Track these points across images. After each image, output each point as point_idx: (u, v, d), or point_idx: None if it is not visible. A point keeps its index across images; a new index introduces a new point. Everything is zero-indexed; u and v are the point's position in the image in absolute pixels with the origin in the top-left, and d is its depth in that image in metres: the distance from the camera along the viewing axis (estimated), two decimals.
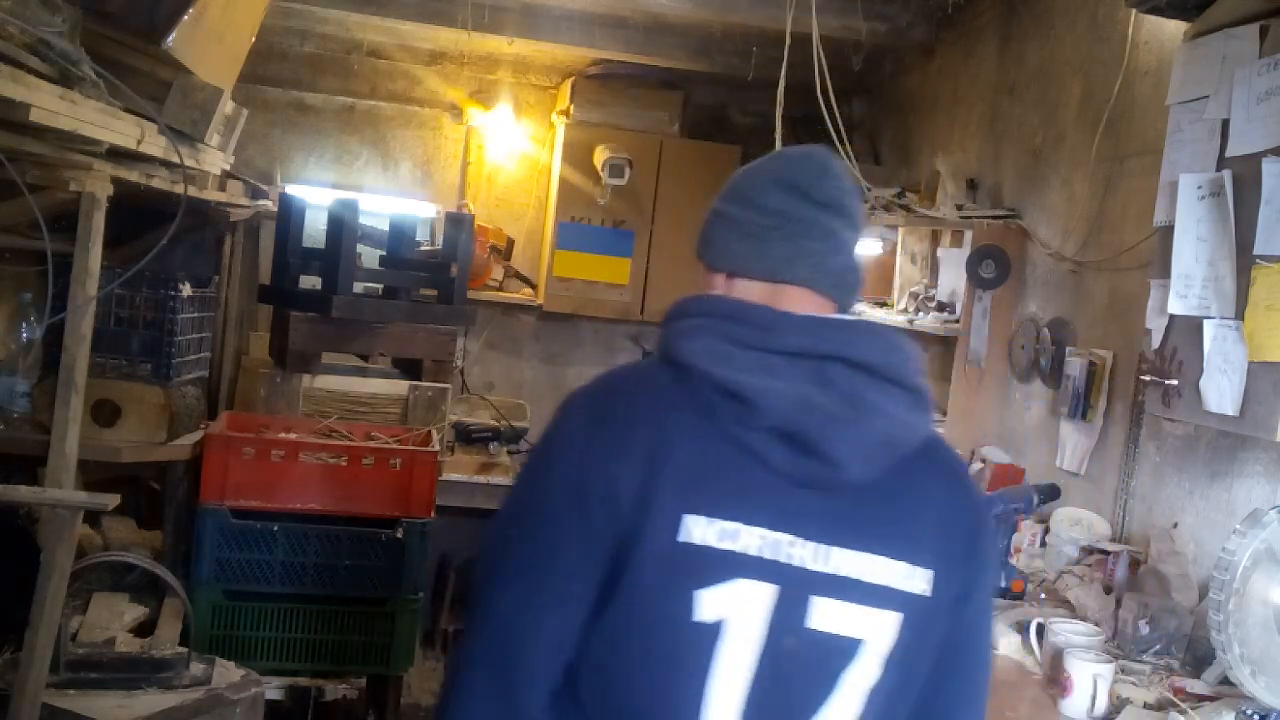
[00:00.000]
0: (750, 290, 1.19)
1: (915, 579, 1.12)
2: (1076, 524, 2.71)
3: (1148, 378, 2.30)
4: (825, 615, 1.09)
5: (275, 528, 2.96)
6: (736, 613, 1.08)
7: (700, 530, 1.07)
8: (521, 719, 1.10)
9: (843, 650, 1.10)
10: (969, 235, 3.43)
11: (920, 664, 1.14)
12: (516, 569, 1.12)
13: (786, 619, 1.08)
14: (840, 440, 1.07)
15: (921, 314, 3.80)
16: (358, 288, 3.71)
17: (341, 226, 3.58)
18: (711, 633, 1.07)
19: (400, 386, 3.75)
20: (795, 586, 1.08)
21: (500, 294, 5.27)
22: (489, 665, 1.11)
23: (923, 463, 1.14)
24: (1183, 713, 1.86)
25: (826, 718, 1.10)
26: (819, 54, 3.27)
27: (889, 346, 1.12)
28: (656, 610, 1.08)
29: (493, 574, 1.14)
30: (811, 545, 1.09)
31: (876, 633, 1.10)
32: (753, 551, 1.08)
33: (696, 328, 1.13)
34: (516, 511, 1.15)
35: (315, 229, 3.85)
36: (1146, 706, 1.94)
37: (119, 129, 2.26)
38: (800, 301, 1.18)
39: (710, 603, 1.07)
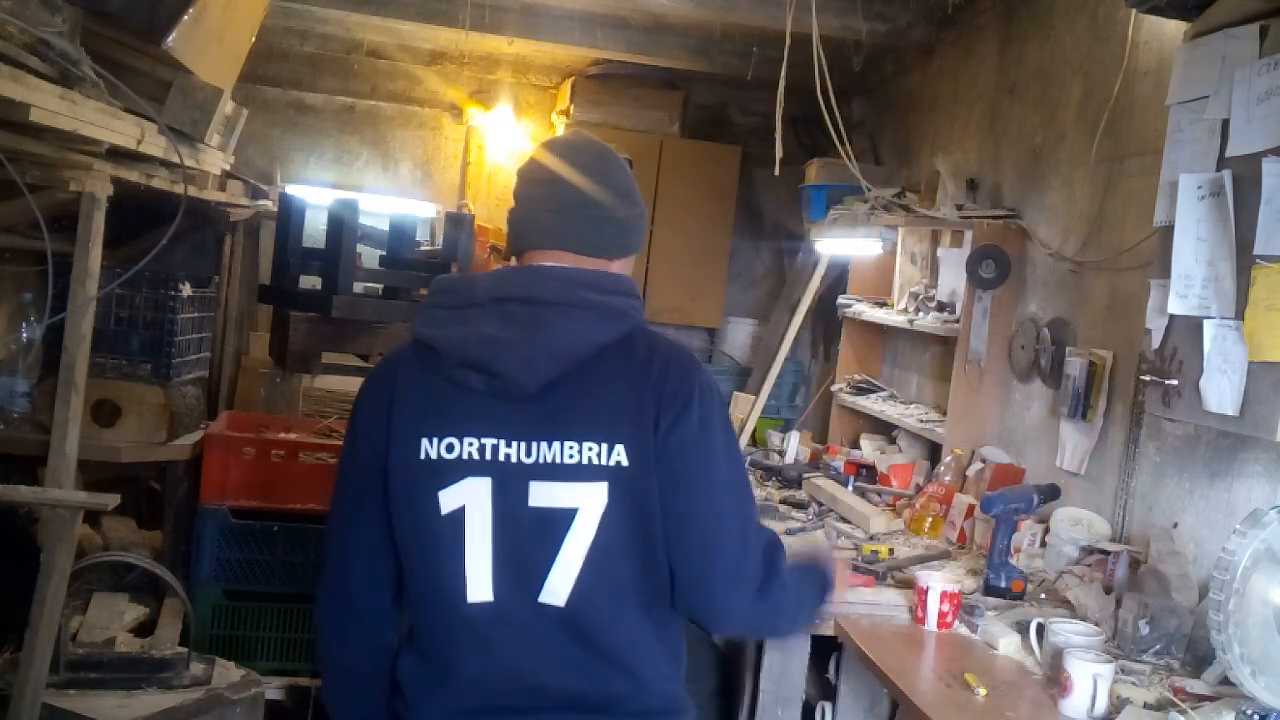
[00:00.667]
0: (521, 261, 1.56)
1: (609, 454, 1.43)
2: (1076, 524, 2.71)
3: (1148, 378, 2.30)
4: (542, 494, 1.43)
5: (275, 528, 2.96)
6: (470, 501, 1.43)
7: (432, 448, 1.45)
8: (354, 612, 1.55)
9: (561, 518, 1.43)
10: (969, 235, 3.43)
11: (640, 514, 1.44)
12: (334, 504, 1.56)
13: (509, 502, 1.43)
14: (505, 360, 1.42)
15: (921, 314, 3.80)
16: (358, 288, 3.70)
17: (341, 226, 3.58)
18: (457, 518, 1.44)
19: None
20: (511, 476, 1.43)
21: None
22: (328, 576, 1.56)
23: (610, 359, 1.45)
24: (1183, 713, 1.86)
25: (558, 569, 1.43)
26: (819, 54, 3.27)
27: (562, 281, 1.47)
28: (415, 510, 1.46)
29: (329, 514, 1.57)
30: (519, 443, 1.43)
31: (587, 501, 1.42)
32: (472, 456, 1.44)
33: (425, 305, 1.52)
34: (337, 468, 1.58)
35: (315, 229, 3.84)
36: (1146, 706, 1.94)
37: (119, 129, 2.26)
38: (545, 260, 1.53)
39: (449, 498, 1.44)
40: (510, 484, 1.43)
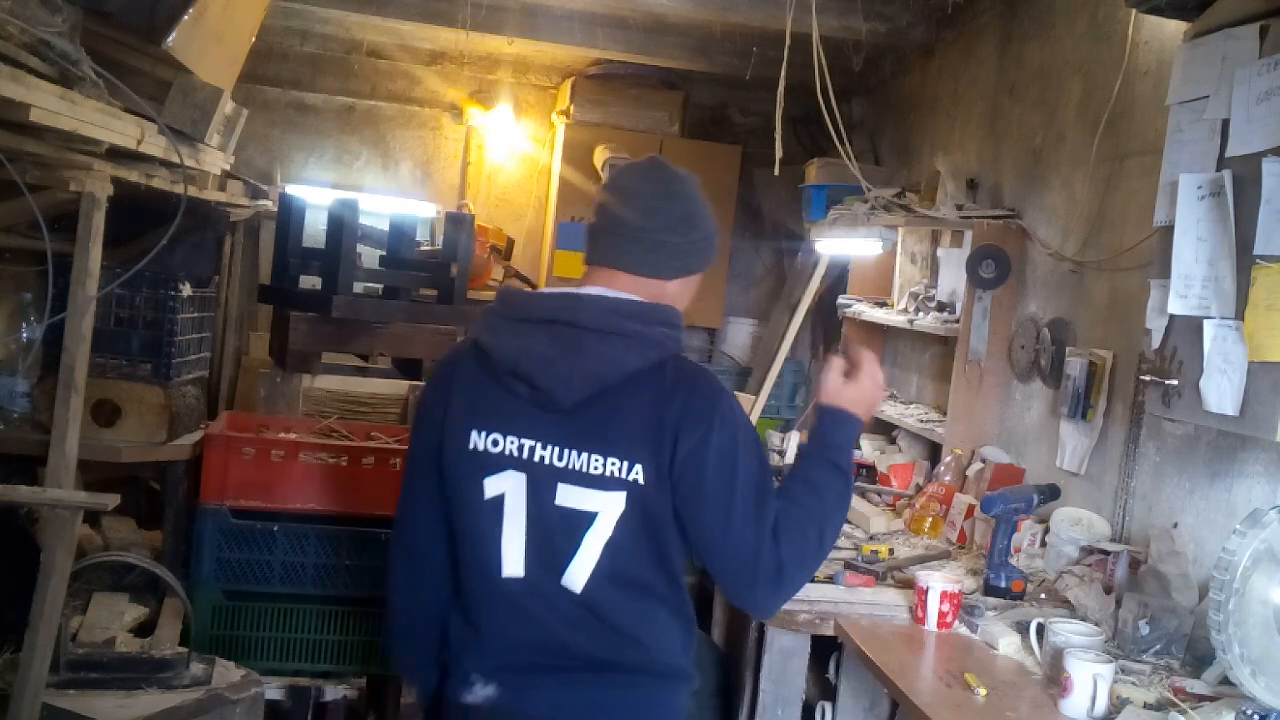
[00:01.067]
0: (587, 271, 1.73)
1: (629, 470, 1.59)
2: (1076, 524, 2.71)
3: (1148, 378, 2.30)
4: (567, 496, 1.61)
5: (275, 528, 2.95)
6: (509, 491, 1.64)
7: (479, 440, 1.66)
8: (417, 566, 1.79)
9: (583, 518, 1.61)
10: (969, 235, 3.43)
11: (653, 521, 1.60)
12: (404, 477, 1.81)
13: (540, 497, 1.62)
14: (546, 375, 1.60)
15: (921, 314, 3.80)
16: (358, 288, 3.71)
17: (341, 226, 3.58)
18: (497, 504, 1.65)
19: (400, 386, 3.75)
20: (543, 476, 1.62)
21: None
22: (397, 535, 1.83)
23: (640, 384, 1.60)
24: (1183, 713, 1.86)
25: (577, 561, 1.61)
26: (819, 54, 3.27)
27: (604, 311, 1.62)
28: (463, 491, 1.68)
29: (401, 483, 1.82)
30: (551, 448, 1.62)
31: (606, 507, 1.60)
32: (512, 453, 1.64)
33: (486, 311, 1.72)
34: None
35: (315, 229, 3.85)
36: (1146, 706, 1.94)
37: (119, 129, 2.26)
38: (600, 276, 1.71)
39: (492, 485, 1.65)
40: (542, 482, 1.62)
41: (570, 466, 1.61)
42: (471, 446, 1.66)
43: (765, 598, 1.65)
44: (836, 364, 1.79)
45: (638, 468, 1.59)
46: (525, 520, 1.64)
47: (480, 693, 1.69)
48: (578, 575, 1.62)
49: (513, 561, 1.65)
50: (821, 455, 1.72)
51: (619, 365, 1.60)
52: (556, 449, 1.62)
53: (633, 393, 1.60)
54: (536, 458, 1.63)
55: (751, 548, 1.60)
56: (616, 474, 1.59)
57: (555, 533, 1.62)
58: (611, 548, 1.61)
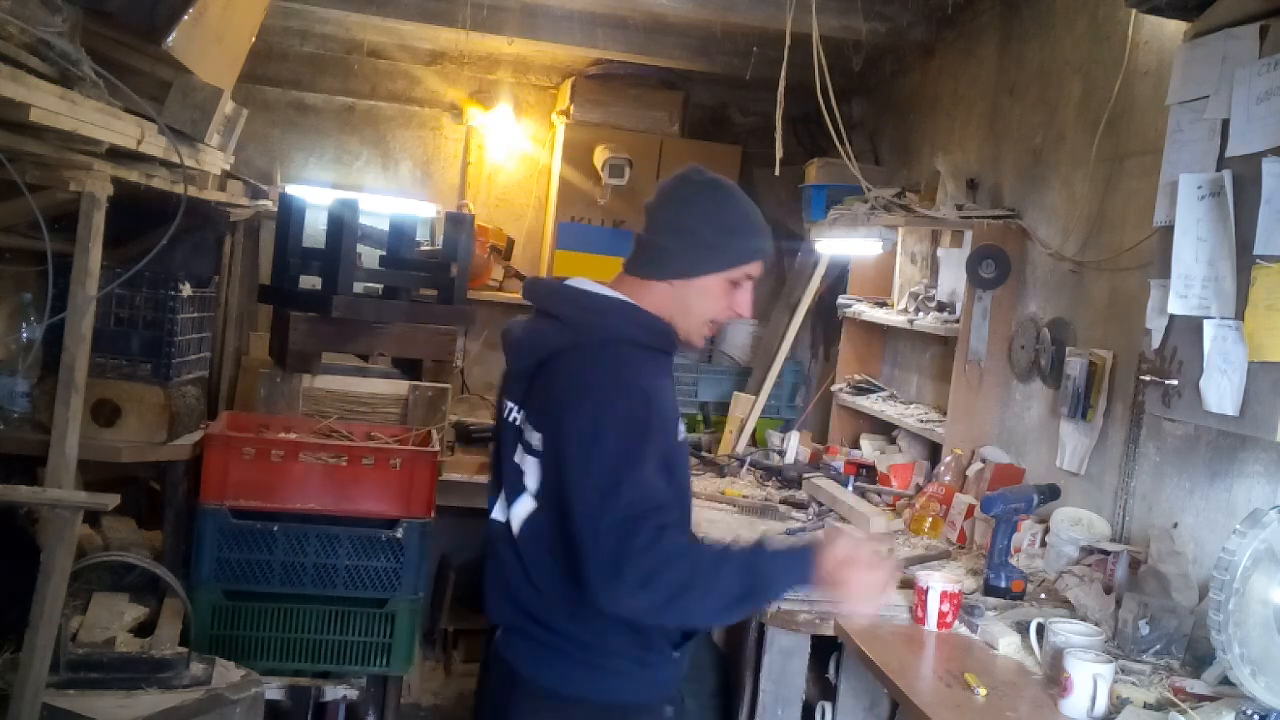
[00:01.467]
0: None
1: (535, 437, 1.78)
2: (1076, 524, 2.71)
3: (1148, 378, 2.30)
4: (519, 453, 1.82)
5: (275, 528, 2.96)
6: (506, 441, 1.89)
7: (503, 407, 1.91)
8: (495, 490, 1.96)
9: (521, 475, 1.82)
10: (969, 235, 3.43)
11: (557, 492, 1.73)
12: None
13: (508, 450, 1.86)
14: (510, 347, 1.89)
15: (921, 314, 3.80)
16: (358, 288, 3.71)
17: (341, 226, 3.58)
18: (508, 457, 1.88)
19: (400, 386, 3.76)
20: (512, 434, 1.85)
21: (500, 294, 5.27)
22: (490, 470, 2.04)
23: (560, 363, 1.77)
24: (1183, 713, 1.86)
25: (516, 506, 1.82)
26: (819, 54, 3.26)
27: (560, 298, 1.85)
28: (499, 448, 1.92)
29: None
30: (519, 411, 1.84)
31: (530, 470, 1.80)
32: (506, 415, 1.89)
33: None
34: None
35: (315, 229, 3.85)
36: (1146, 706, 1.94)
37: (119, 129, 2.26)
38: (623, 274, 1.90)
39: (505, 441, 1.88)
40: (512, 439, 1.85)
41: (523, 427, 1.82)
42: (503, 414, 1.91)
43: (598, 584, 1.62)
44: (861, 542, 1.71)
45: (538, 436, 1.77)
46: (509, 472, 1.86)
47: (498, 635, 1.90)
48: (515, 522, 1.82)
49: (500, 507, 1.88)
50: (747, 559, 1.65)
51: (544, 344, 1.81)
52: (521, 413, 1.84)
53: (550, 370, 1.78)
54: (512, 418, 1.86)
55: (589, 531, 1.63)
56: (534, 442, 1.78)
57: (513, 484, 1.83)
58: (537, 510, 1.78)
